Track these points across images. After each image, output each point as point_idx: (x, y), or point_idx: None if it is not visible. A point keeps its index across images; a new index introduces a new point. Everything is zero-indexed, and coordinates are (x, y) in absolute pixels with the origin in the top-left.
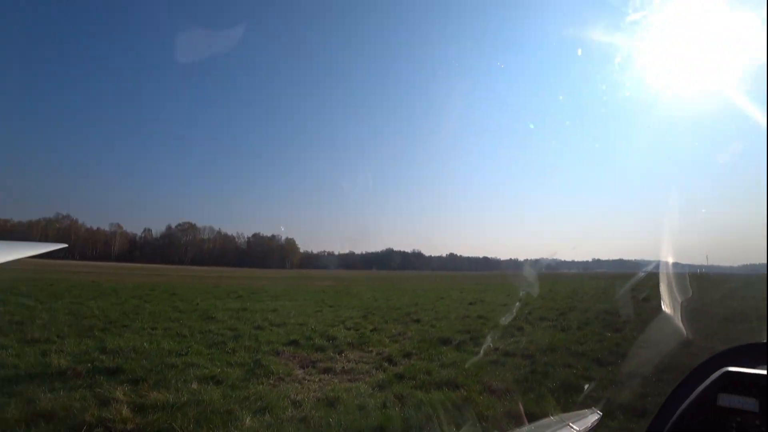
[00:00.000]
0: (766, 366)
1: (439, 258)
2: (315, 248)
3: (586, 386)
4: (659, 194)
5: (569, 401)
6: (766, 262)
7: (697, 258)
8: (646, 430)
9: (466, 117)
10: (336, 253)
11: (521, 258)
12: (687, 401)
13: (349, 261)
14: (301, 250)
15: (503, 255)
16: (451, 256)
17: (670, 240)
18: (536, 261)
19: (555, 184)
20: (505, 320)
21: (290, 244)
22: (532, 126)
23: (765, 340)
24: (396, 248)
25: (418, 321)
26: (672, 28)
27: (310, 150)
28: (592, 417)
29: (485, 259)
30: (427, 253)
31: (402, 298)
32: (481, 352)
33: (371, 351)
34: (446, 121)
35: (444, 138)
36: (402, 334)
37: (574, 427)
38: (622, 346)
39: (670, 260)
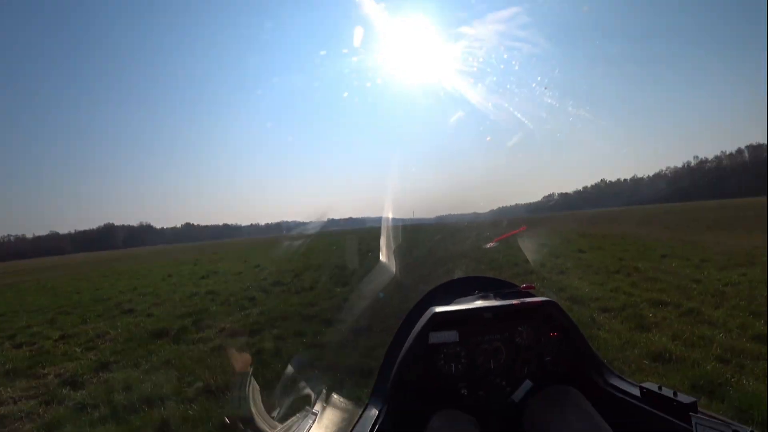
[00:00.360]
0: (459, 300)
1: (174, 230)
2: None
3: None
4: (378, 165)
5: (299, 378)
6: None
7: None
8: (377, 375)
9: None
10: (29, 235)
11: (262, 223)
12: (407, 343)
13: (52, 244)
14: None
15: (244, 221)
16: (188, 227)
17: (388, 199)
18: (277, 224)
19: (290, 148)
20: (236, 292)
21: None
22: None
23: (460, 277)
24: (118, 222)
25: (130, 312)
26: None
27: None
28: (308, 421)
29: (225, 226)
30: (158, 224)
31: (117, 284)
32: (200, 339)
33: (46, 374)
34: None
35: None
36: (102, 336)
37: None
38: (349, 300)
39: (388, 215)
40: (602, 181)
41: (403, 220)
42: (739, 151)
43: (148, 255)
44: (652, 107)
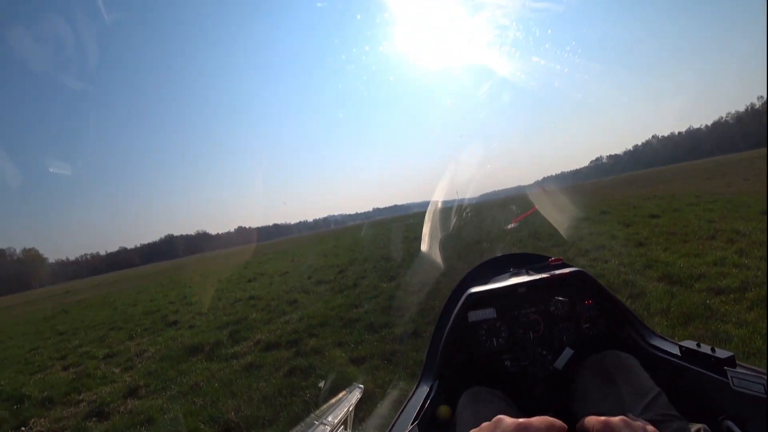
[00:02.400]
0: (495, 279)
1: (227, 234)
2: (70, 254)
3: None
4: (417, 152)
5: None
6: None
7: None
8: (425, 356)
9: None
10: (102, 252)
11: (310, 219)
12: (449, 325)
13: (121, 259)
14: (50, 260)
15: (292, 219)
16: (240, 230)
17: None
18: (324, 219)
19: (331, 145)
20: (279, 295)
21: (32, 255)
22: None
23: (493, 256)
24: (177, 233)
25: (174, 324)
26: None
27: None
28: (355, 393)
29: (275, 226)
30: (213, 231)
31: (169, 293)
32: (233, 354)
33: (80, 401)
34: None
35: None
36: (142, 354)
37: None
38: (396, 298)
39: (437, 199)
40: (654, 137)
41: (448, 202)
42: None
43: (201, 261)
44: (701, 49)
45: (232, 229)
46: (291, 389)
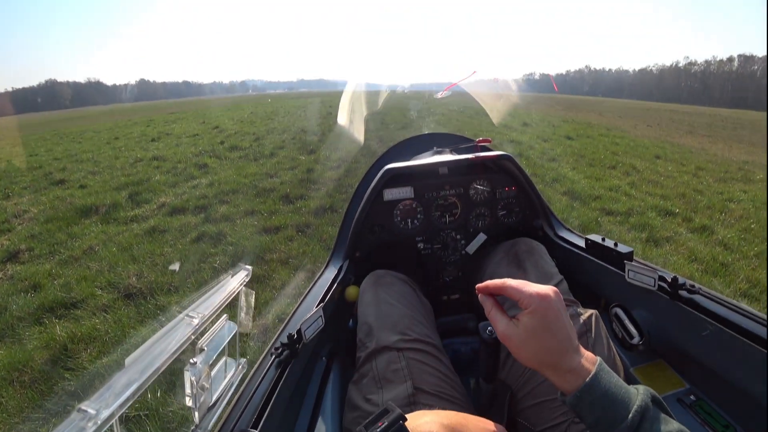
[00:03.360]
0: (416, 156)
1: (127, 87)
2: None
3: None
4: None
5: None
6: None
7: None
8: (337, 234)
9: None
10: None
11: (225, 81)
12: (363, 201)
13: None
14: None
15: (205, 78)
16: (143, 84)
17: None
18: (242, 83)
19: None
20: (186, 158)
21: None
22: None
23: (419, 134)
24: (62, 78)
25: (61, 183)
26: None
27: None
28: (240, 276)
29: (185, 83)
30: (109, 81)
31: (54, 148)
32: (133, 218)
33: None
34: None
35: None
36: (22, 214)
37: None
38: (314, 171)
39: (364, 80)
40: (587, 67)
41: (378, 85)
42: (730, 59)
43: (98, 115)
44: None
45: (133, 81)
46: (200, 255)
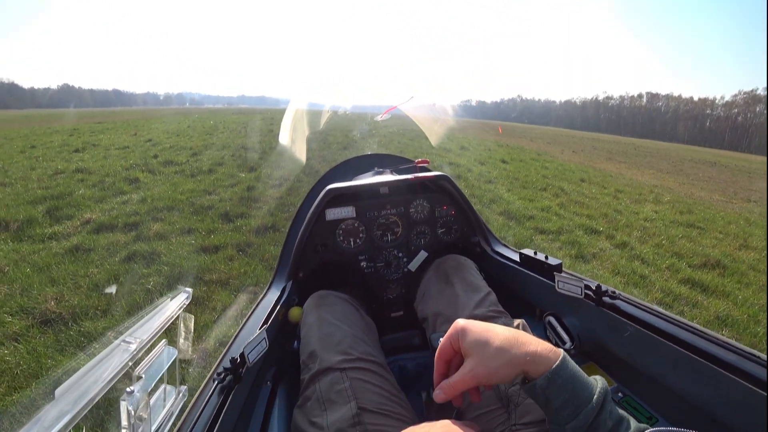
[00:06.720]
0: (358, 177)
1: (48, 92)
2: None
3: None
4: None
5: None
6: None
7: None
8: (279, 255)
9: None
10: None
11: (160, 92)
12: (305, 222)
13: None
14: None
15: (139, 88)
16: (66, 89)
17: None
18: (179, 95)
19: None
20: (115, 171)
21: None
22: None
23: (361, 155)
24: None
25: None
26: None
27: None
28: (179, 299)
29: (116, 92)
30: (26, 84)
31: None
32: (52, 235)
33: None
34: None
35: None
36: None
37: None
38: (255, 189)
39: (306, 99)
40: (519, 96)
41: (321, 106)
42: (640, 95)
43: (12, 120)
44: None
45: (55, 86)
46: (132, 276)
